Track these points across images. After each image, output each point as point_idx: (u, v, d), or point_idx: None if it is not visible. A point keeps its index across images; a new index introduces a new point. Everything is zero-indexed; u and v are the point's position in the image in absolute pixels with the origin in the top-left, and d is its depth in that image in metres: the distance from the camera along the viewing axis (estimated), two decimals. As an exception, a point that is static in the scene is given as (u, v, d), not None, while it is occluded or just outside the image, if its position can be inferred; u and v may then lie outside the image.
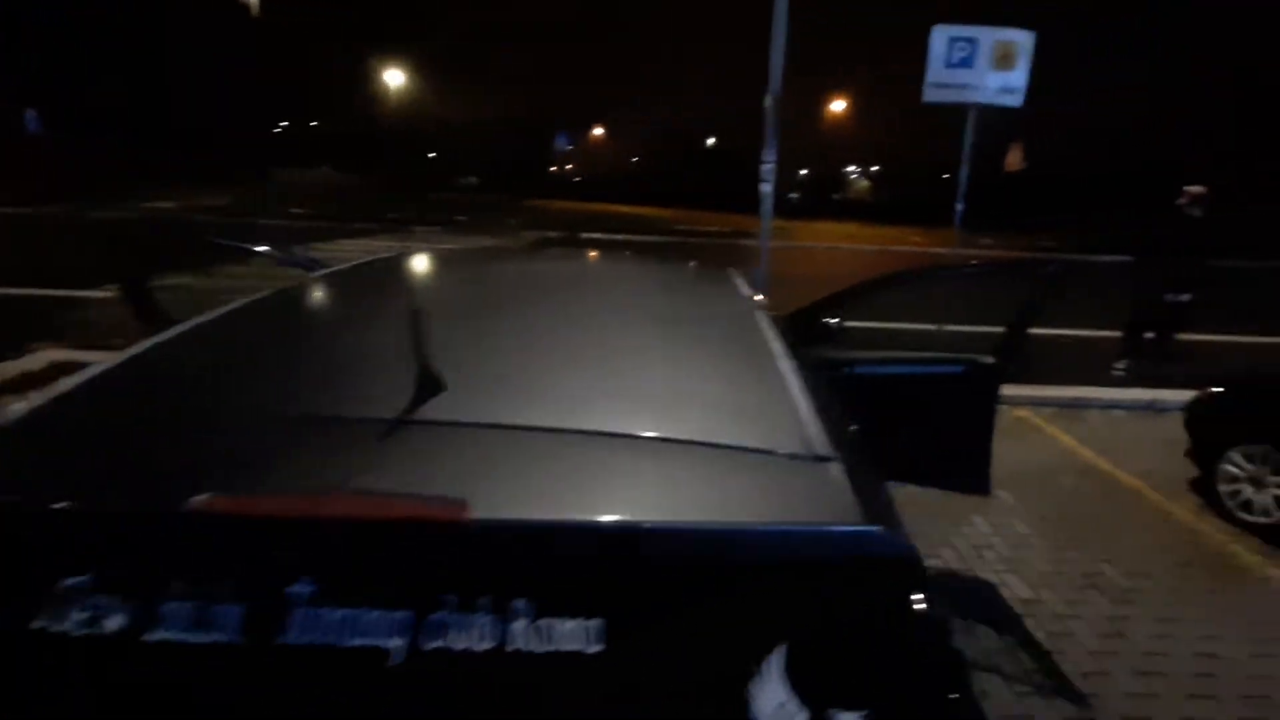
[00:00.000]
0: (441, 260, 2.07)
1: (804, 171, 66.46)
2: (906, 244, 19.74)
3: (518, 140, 38.02)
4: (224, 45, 34.14)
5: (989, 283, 2.56)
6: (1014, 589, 2.88)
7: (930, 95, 5.28)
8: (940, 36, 5.14)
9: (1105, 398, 5.28)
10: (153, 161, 28.05)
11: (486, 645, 0.58)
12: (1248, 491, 3.43)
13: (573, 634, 0.59)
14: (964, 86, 5.19)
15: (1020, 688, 2.31)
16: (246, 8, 34.54)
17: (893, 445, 2.84)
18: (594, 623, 0.59)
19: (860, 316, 2.84)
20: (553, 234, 18.50)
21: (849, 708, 0.61)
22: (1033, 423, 4.88)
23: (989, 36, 5.10)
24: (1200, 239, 5.34)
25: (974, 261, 3.25)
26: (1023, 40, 5.12)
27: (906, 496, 3.48)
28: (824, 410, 0.95)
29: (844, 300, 2.81)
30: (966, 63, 5.13)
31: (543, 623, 0.59)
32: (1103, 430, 4.80)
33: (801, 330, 2.88)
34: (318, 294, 1.38)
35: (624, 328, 1.26)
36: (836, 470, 0.79)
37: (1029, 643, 2.54)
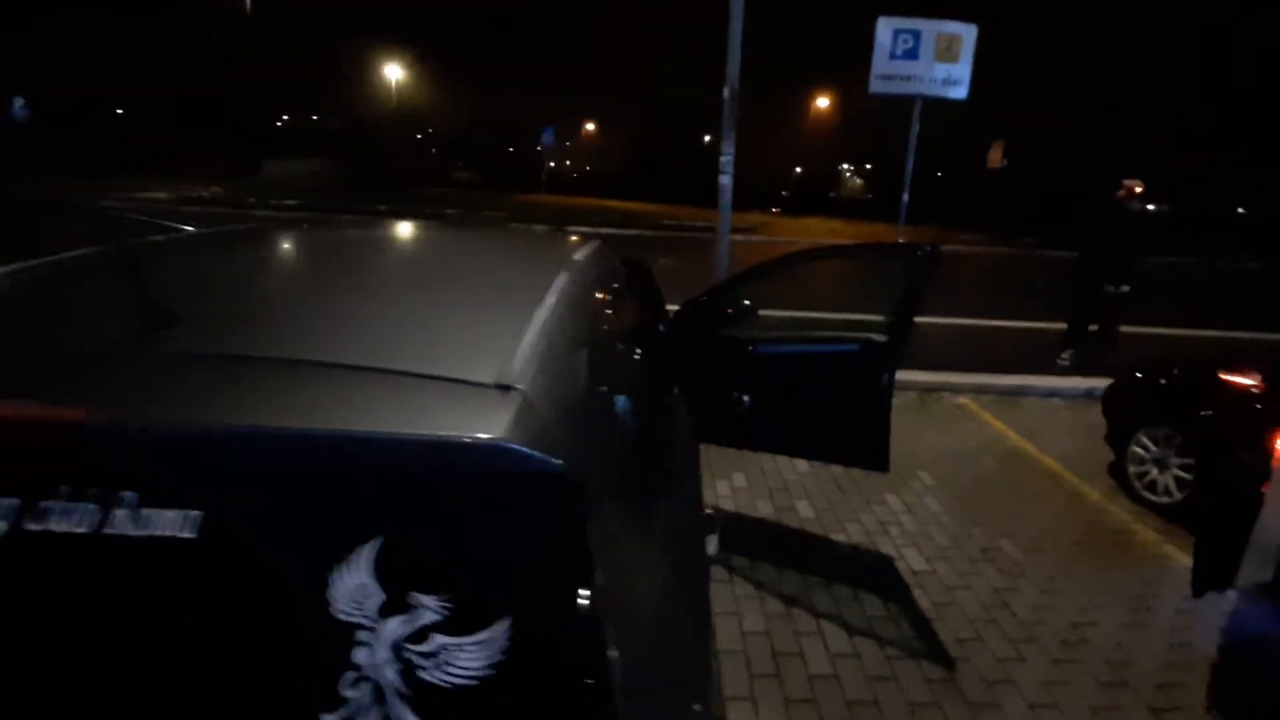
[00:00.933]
0: (293, 230, 2.09)
1: (799, 169, 66.56)
2: (881, 239, 19.82)
3: (509, 135, 38.01)
4: (225, 38, 34.10)
5: (870, 263, 2.63)
6: (910, 562, 2.96)
7: (876, 87, 5.35)
8: (885, 28, 5.20)
9: (1045, 385, 5.37)
10: (150, 152, 28.00)
11: (86, 529, 0.65)
12: (1153, 472, 3.51)
13: (171, 522, 0.65)
14: (909, 78, 5.26)
15: (893, 651, 2.38)
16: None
17: (794, 421, 2.93)
18: (193, 514, 0.66)
19: (762, 296, 2.91)
20: (539, 227, 18.53)
21: (429, 592, 0.68)
22: (970, 409, 4.96)
23: (932, 29, 5.16)
24: (1139, 232, 5.42)
25: (856, 245, 3.31)
26: (965, 33, 5.19)
27: (830, 476, 3.60)
28: (554, 352, 1.00)
29: (744, 283, 2.88)
30: (911, 54, 5.20)
31: (145, 511, 0.66)
32: (1036, 417, 4.89)
33: (707, 313, 2.95)
34: (142, 248, 1.44)
35: (410, 282, 1.33)
36: (513, 398, 0.82)
37: (911, 611, 2.62)
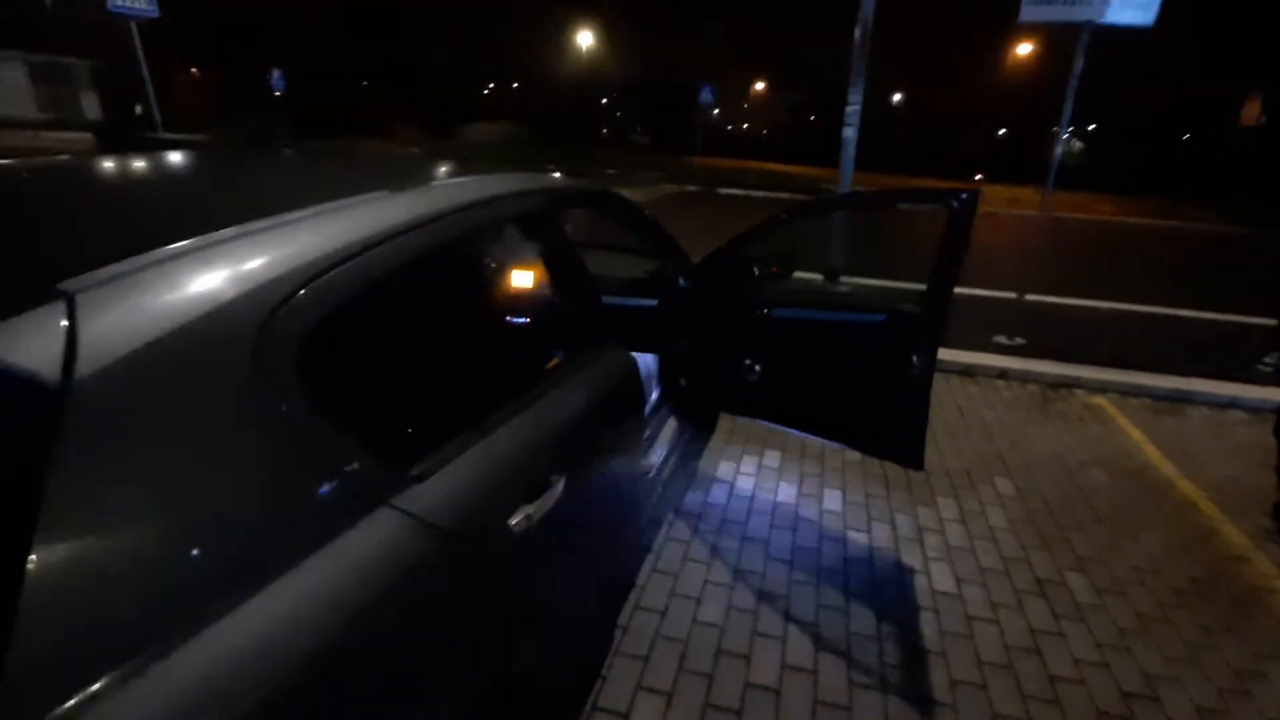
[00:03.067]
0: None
1: (1003, 131, 58.98)
2: (1079, 212, 16.83)
3: (683, 98, 37.97)
4: (444, 16, 37.98)
5: (894, 211, 2.14)
6: (934, 580, 2.48)
7: (1028, 14, 4.43)
8: (1046, -59, 4.26)
9: (1223, 394, 4.24)
10: (375, 116, 32.61)
11: None
12: (1328, 519, 2.61)
13: None
14: (1073, 2, 4.28)
15: (861, 679, 2.01)
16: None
17: (811, 397, 2.57)
18: None
19: (781, 250, 2.54)
20: (691, 188, 18.29)
21: None
22: (1106, 413, 4.07)
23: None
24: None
25: (885, 191, 2.69)
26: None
27: (880, 469, 3.14)
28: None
29: (758, 236, 2.53)
30: (1079, -29, 4.22)
31: None
32: (1196, 431, 3.88)
33: (723, 269, 2.64)
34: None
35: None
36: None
37: (907, 637, 2.19)
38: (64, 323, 0.69)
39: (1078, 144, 56.51)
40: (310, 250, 0.96)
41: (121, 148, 2.36)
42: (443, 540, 1.02)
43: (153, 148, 2.06)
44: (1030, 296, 6.00)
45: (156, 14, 6.95)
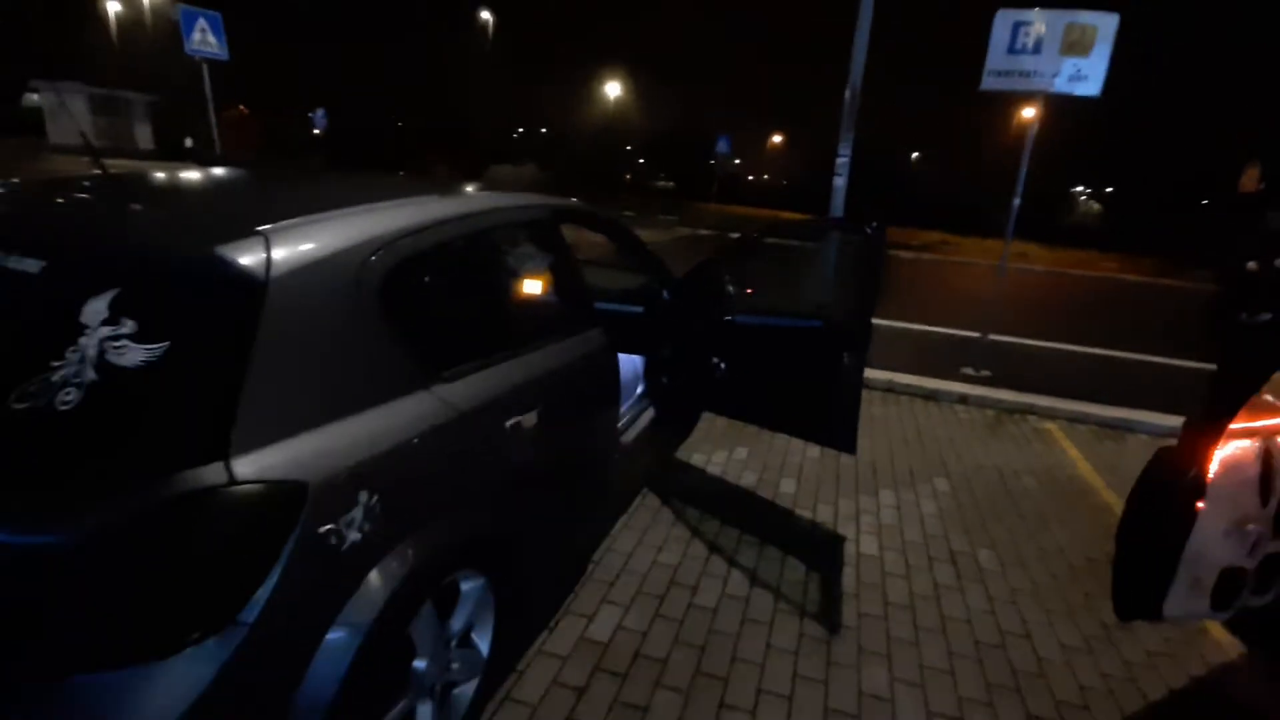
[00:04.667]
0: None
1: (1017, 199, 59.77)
2: (1083, 268, 17.30)
3: (703, 146, 39.54)
4: (473, 61, 40.15)
5: (821, 238, 2.69)
6: (862, 547, 2.94)
7: (988, 83, 5.05)
8: (1004, 22, 4.91)
9: (1164, 424, 4.66)
10: (417, 154, 34.44)
11: None
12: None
13: None
14: (1028, 74, 4.90)
15: (784, 606, 2.47)
16: (485, 30, 40.17)
17: (765, 394, 3.08)
18: None
19: (738, 274, 3.09)
20: (704, 231, 19.06)
21: None
22: (1051, 435, 4.51)
23: (1059, 20, 4.77)
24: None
25: (808, 221, 3.23)
26: (1102, 23, 4.72)
27: (836, 465, 3.61)
28: None
29: (714, 264, 3.10)
30: (1031, 49, 4.85)
31: None
32: (1130, 453, 4.30)
33: (698, 286, 3.20)
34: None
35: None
36: None
37: (827, 583, 2.65)
38: (262, 250, 1.25)
39: (1095, 205, 57.22)
40: (386, 226, 1.53)
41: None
42: (459, 419, 1.56)
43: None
44: (1001, 337, 6.48)
45: (227, 57, 7.85)
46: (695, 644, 2.23)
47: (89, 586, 0.98)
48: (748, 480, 3.48)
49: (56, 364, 1.08)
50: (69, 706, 0.97)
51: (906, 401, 4.93)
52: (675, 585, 2.54)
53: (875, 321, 2.71)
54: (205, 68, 7.95)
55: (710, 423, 4.05)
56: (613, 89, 41.90)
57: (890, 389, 5.10)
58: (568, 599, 2.39)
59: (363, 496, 1.26)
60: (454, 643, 1.69)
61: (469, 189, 2.14)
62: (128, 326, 1.13)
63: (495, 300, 2.04)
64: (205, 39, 7.52)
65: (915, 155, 61.55)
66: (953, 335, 6.99)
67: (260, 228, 1.29)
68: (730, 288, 3.17)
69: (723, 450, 3.80)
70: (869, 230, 2.58)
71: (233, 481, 1.07)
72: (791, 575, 2.68)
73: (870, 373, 5.04)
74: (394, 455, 1.36)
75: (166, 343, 1.13)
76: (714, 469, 3.58)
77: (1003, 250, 5.74)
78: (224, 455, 1.08)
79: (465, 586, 1.69)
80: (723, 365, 3.13)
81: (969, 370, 5.58)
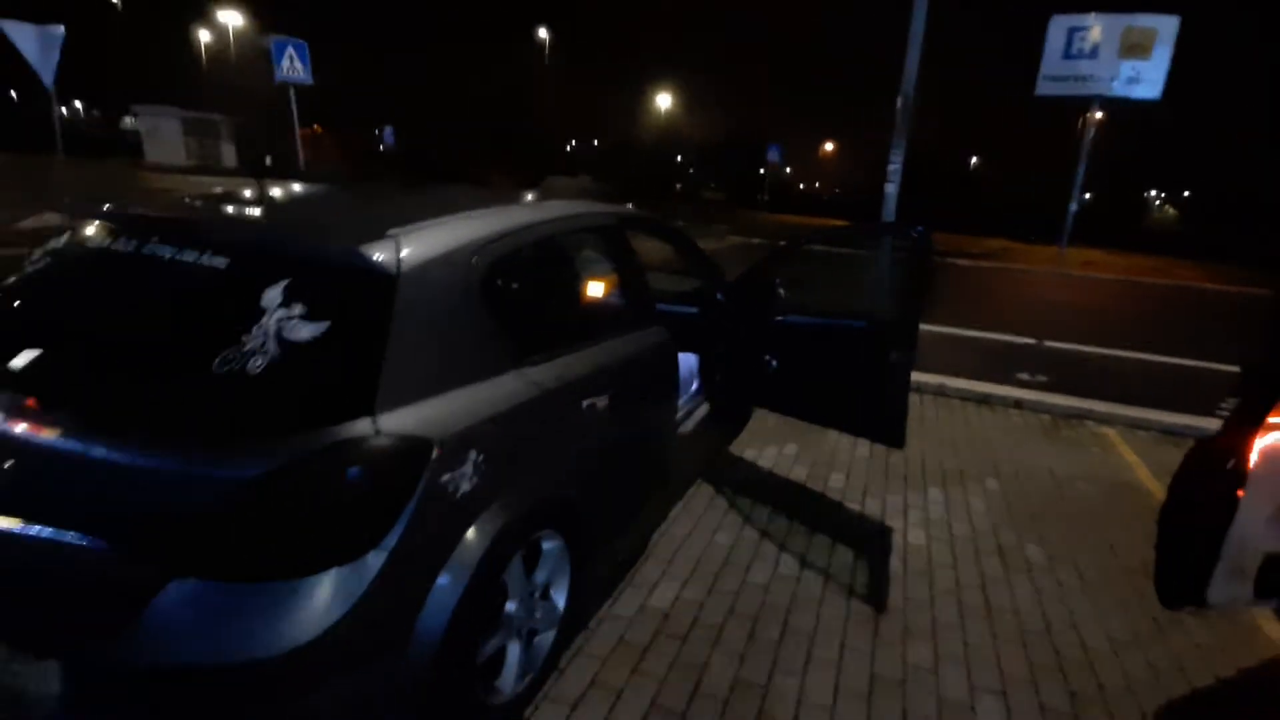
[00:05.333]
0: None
1: (1088, 195, 57.42)
2: (1160, 277, 16.56)
3: (747, 154, 39.68)
4: (530, 78, 41.59)
5: (867, 244, 2.84)
6: (910, 538, 3.06)
7: (1044, 89, 5.10)
8: (1058, 27, 4.95)
9: (1227, 431, 4.55)
10: (475, 167, 36.16)
11: None
12: None
13: None
14: (1084, 78, 4.91)
15: (833, 587, 2.63)
16: (543, 48, 41.61)
17: (814, 391, 3.25)
18: None
19: (786, 277, 3.27)
20: (755, 240, 19.14)
21: None
22: (1108, 440, 4.48)
23: (1118, 23, 4.77)
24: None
25: (855, 226, 3.33)
26: (1162, 25, 4.70)
27: (884, 460, 3.73)
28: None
29: (765, 268, 3.29)
30: (1089, 53, 4.86)
31: None
32: (1193, 459, 4.23)
33: (750, 289, 3.39)
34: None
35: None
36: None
37: (876, 568, 2.79)
38: (394, 249, 1.53)
39: (1171, 210, 54.44)
40: (484, 230, 1.80)
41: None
42: (543, 396, 1.81)
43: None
44: (1057, 343, 6.40)
45: (311, 82, 8.48)
46: (749, 615, 2.41)
47: (278, 508, 1.25)
48: (798, 474, 3.63)
49: (245, 338, 1.37)
50: (268, 602, 1.24)
51: (959, 405, 4.97)
52: (729, 564, 2.73)
53: (925, 327, 2.85)
54: (292, 91, 8.61)
55: (761, 421, 4.21)
56: (663, 100, 42.56)
57: (941, 392, 5.14)
58: (630, 572, 2.61)
59: (472, 454, 1.52)
60: (537, 594, 1.92)
61: (529, 197, 2.41)
62: (297, 309, 1.42)
63: (572, 296, 2.30)
64: (293, 66, 8.17)
65: (975, 160, 59.92)
66: (1009, 342, 6.92)
67: (391, 231, 1.56)
68: (780, 290, 3.35)
69: (773, 446, 3.96)
70: (914, 235, 2.73)
71: (378, 433, 1.34)
72: (839, 560, 2.83)
73: (921, 376, 5.10)
74: (494, 423, 1.61)
75: (328, 322, 1.41)
76: (765, 463, 3.74)
77: (1060, 257, 5.70)
78: (370, 412, 1.35)
79: (546, 546, 1.93)
80: (774, 363, 3.31)
81: (1024, 375, 5.56)
